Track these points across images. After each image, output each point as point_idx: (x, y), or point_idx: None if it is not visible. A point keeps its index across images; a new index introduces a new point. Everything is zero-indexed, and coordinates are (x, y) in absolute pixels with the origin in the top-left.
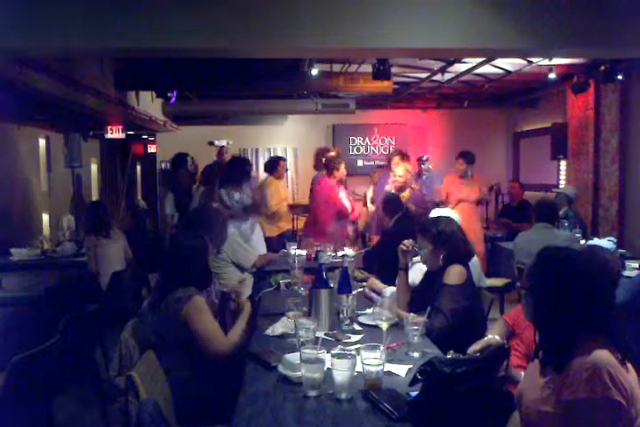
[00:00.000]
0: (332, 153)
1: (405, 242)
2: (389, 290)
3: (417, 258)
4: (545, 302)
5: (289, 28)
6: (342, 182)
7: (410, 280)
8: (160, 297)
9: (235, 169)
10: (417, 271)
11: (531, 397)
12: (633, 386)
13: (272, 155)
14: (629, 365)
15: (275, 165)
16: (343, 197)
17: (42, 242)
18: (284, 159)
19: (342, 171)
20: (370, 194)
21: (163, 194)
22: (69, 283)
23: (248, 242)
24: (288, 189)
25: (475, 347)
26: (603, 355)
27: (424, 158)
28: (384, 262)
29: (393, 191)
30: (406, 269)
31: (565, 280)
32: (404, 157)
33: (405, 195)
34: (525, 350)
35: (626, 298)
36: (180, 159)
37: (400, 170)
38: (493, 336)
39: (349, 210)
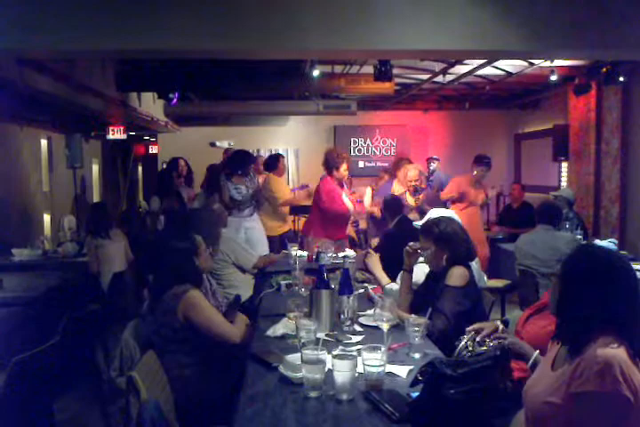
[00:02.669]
0: (334, 153)
1: (411, 244)
2: (391, 286)
3: (421, 258)
4: (572, 290)
5: (291, 29)
6: (345, 183)
7: (413, 279)
8: (156, 297)
9: (240, 161)
10: (420, 271)
11: (538, 389)
12: None
13: None
14: None
15: (275, 162)
16: (345, 197)
17: (43, 242)
18: (283, 156)
19: (342, 171)
20: (368, 197)
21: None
22: (70, 283)
23: (250, 241)
24: (288, 188)
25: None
26: (617, 351)
27: (434, 157)
28: (385, 264)
29: (407, 194)
30: (410, 271)
31: (598, 274)
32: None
33: (420, 197)
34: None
35: None
36: (170, 162)
37: (413, 173)
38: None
39: (351, 211)
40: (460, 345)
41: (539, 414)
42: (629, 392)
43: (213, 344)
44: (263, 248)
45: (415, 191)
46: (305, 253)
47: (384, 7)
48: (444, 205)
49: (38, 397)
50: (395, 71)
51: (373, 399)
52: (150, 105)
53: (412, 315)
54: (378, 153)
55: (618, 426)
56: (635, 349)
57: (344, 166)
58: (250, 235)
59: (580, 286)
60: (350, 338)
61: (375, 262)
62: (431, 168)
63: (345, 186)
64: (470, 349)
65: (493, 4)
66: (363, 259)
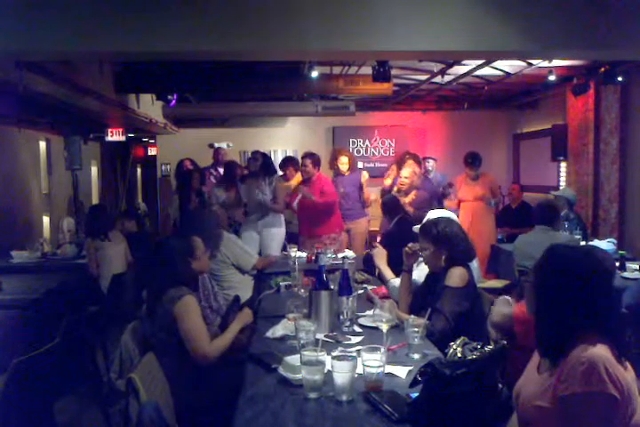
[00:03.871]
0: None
1: (410, 245)
2: (395, 281)
3: (421, 259)
4: (547, 294)
5: (290, 30)
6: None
7: (416, 277)
8: (154, 299)
9: (253, 166)
10: (422, 270)
11: (527, 392)
12: (630, 384)
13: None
14: (628, 364)
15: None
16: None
17: (42, 244)
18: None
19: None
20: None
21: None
22: (70, 285)
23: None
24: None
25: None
26: (600, 351)
27: (431, 157)
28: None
29: (397, 193)
30: (410, 272)
31: (570, 276)
32: (416, 158)
33: (410, 197)
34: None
35: (633, 301)
36: (177, 165)
37: (406, 171)
38: None
39: (292, 206)
40: (450, 352)
41: (529, 416)
42: (616, 391)
43: None
44: (271, 246)
45: (399, 191)
46: (304, 254)
47: (382, 8)
48: (438, 206)
49: (38, 399)
50: (393, 72)
51: (373, 400)
52: (149, 107)
53: (412, 316)
54: (377, 154)
55: (606, 425)
56: (617, 347)
57: (304, 161)
58: (264, 238)
59: (554, 292)
60: (350, 339)
61: (381, 256)
62: (427, 168)
63: (308, 183)
64: (460, 355)
65: (491, 4)
66: (363, 259)
